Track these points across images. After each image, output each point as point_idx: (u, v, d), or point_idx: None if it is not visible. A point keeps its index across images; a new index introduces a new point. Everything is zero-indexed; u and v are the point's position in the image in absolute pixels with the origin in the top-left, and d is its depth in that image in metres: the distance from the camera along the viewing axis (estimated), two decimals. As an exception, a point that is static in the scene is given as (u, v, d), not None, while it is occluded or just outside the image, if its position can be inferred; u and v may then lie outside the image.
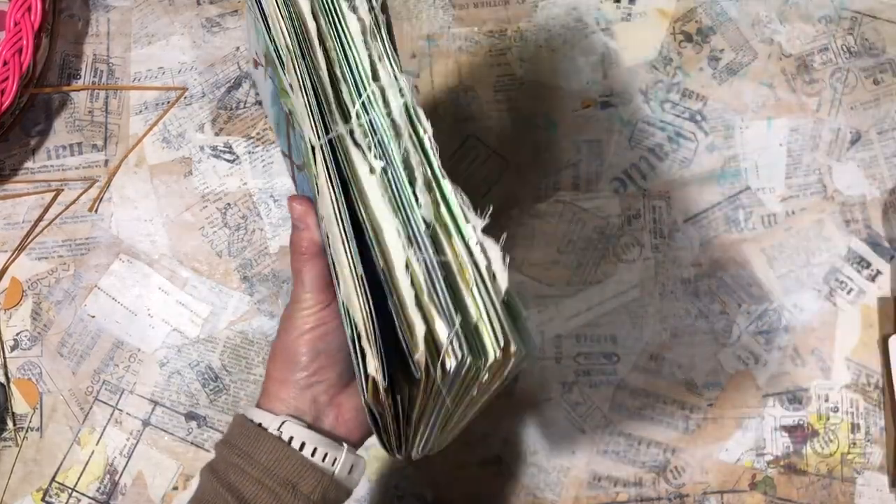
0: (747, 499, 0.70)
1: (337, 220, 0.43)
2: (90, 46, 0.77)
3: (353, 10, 0.46)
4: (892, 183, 0.72)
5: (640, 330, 0.72)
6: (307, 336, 0.47)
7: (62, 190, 0.75)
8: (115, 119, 0.76)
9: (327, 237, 0.44)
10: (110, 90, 0.77)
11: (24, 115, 0.76)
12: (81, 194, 0.75)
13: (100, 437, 0.72)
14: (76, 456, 0.72)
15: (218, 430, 0.72)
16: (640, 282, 0.72)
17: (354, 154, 0.44)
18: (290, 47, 0.45)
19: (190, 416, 0.72)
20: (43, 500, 0.71)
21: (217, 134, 0.76)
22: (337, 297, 0.46)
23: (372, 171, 0.44)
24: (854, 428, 0.70)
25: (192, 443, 0.72)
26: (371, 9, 0.46)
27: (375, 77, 0.45)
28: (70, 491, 0.71)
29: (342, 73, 0.46)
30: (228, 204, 0.75)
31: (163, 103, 0.76)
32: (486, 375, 0.42)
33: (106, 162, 0.76)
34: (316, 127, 0.44)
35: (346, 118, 0.45)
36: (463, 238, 0.44)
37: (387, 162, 0.44)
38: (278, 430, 0.47)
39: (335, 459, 0.48)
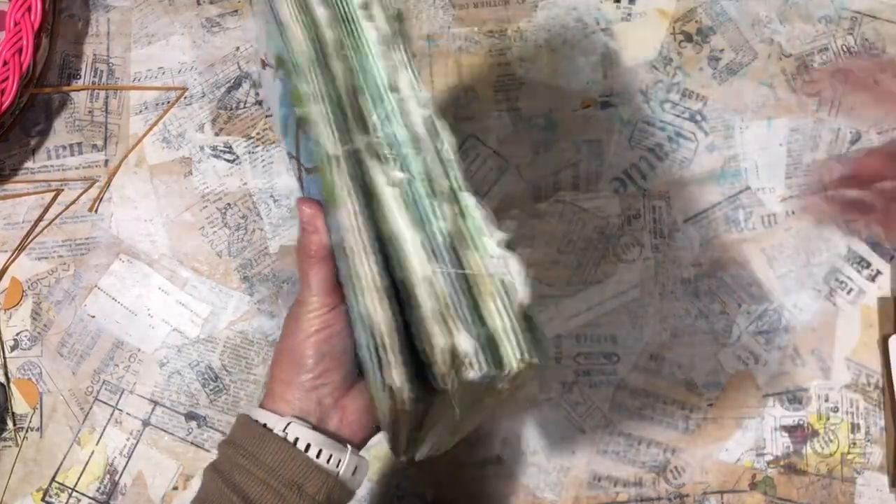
0: (747, 499, 0.70)
1: (357, 231, 0.42)
2: (90, 46, 0.77)
3: (370, 18, 0.45)
4: (892, 183, 0.73)
5: (640, 330, 0.72)
6: (313, 338, 0.47)
7: (62, 190, 0.75)
8: (115, 119, 0.76)
9: (342, 245, 0.43)
10: (110, 90, 0.76)
11: (24, 115, 0.76)
12: (81, 194, 0.75)
13: (100, 437, 0.72)
14: (76, 456, 0.72)
15: (218, 430, 0.72)
16: (640, 282, 0.72)
17: (373, 166, 0.43)
18: (308, 55, 0.44)
19: (190, 416, 0.72)
20: (43, 500, 0.71)
21: (217, 134, 0.75)
22: (347, 302, 0.46)
23: (392, 183, 0.43)
24: (854, 428, 0.70)
25: (192, 443, 0.72)
26: (391, 18, 0.46)
27: (395, 88, 0.45)
28: (70, 491, 0.71)
29: (361, 83, 0.45)
30: (228, 204, 0.75)
31: (163, 103, 0.76)
32: (503, 385, 0.42)
33: (106, 162, 0.76)
34: (335, 137, 0.43)
35: (365, 129, 0.44)
36: (485, 251, 0.43)
37: (407, 174, 0.43)
38: (284, 431, 0.47)
39: (340, 461, 0.48)
